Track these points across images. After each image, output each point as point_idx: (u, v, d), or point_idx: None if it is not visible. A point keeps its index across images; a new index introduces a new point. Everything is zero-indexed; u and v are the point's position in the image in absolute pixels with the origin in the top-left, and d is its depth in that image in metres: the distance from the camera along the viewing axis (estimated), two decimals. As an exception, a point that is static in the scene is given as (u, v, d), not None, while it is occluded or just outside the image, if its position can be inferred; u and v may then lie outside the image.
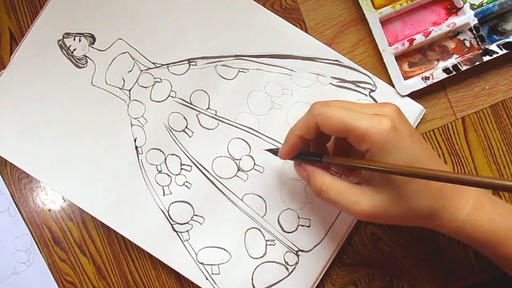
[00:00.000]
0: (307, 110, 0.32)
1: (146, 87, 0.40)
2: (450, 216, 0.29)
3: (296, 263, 0.38)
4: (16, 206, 0.41)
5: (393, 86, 0.38)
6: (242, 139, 0.39)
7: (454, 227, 0.30)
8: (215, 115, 0.40)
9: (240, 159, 0.39)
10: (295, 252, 0.38)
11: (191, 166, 0.39)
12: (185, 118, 0.40)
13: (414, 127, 0.39)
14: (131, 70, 0.40)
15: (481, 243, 0.30)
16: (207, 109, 0.40)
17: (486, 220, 0.29)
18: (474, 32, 0.38)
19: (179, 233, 0.39)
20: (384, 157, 0.28)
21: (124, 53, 0.40)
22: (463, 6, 0.38)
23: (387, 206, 0.29)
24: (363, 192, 0.30)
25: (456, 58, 0.39)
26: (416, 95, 0.38)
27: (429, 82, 0.38)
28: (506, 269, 0.32)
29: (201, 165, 0.39)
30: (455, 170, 0.39)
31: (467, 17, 0.38)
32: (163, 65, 0.40)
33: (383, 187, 0.29)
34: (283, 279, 0.38)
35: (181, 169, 0.39)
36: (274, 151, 0.36)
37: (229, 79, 0.39)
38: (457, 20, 0.38)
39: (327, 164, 0.32)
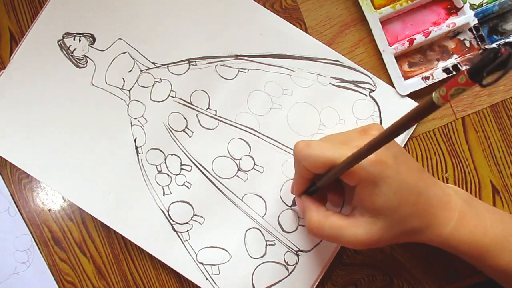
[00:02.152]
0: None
1: (146, 87, 0.40)
2: (435, 232, 0.31)
3: (296, 263, 0.38)
4: (16, 206, 0.41)
5: (393, 86, 0.38)
6: (242, 139, 0.39)
7: (439, 241, 0.31)
8: (215, 115, 0.39)
9: (240, 159, 0.39)
10: (295, 252, 0.38)
11: (191, 166, 0.39)
12: (185, 118, 0.40)
13: (414, 127, 0.39)
14: (131, 70, 0.40)
15: (465, 254, 0.32)
16: (207, 109, 0.40)
17: (468, 234, 0.31)
18: (474, 32, 0.38)
19: (179, 233, 0.39)
20: (373, 188, 0.29)
21: (124, 53, 0.40)
22: (463, 6, 0.38)
23: (382, 233, 0.30)
24: (358, 224, 0.30)
25: (456, 58, 0.39)
26: (416, 95, 0.38)
27: (429, 82, 0.38)
28: (491, 276, 0.33)
29: (201, 165, 0.39)
30: (455, 170, 0.39)
31: (467, 17, 0.38)
32: (163, 65, 0.40)
33: (377, 216, 0.30)
34: (283, 279, 0.38)
35: (181, 169, 0.39)
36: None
37: (229, 79, 0.39)
38: (457, 20, 0.38)
39: (321, 188, 0.32)
